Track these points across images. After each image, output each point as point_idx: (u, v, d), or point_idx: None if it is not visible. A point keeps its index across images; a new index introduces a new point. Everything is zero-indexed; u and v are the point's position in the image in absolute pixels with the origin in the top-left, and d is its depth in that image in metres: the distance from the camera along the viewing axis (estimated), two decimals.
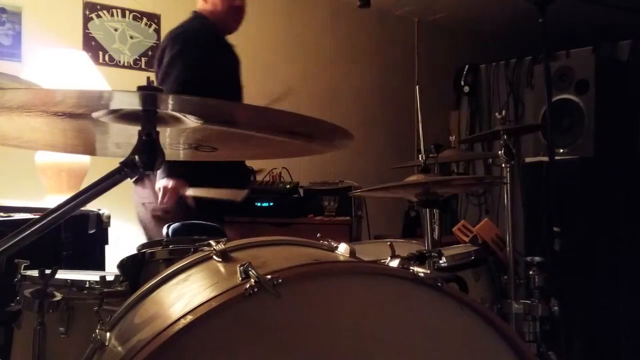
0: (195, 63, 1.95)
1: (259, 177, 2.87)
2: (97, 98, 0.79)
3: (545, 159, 2.61)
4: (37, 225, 0.77)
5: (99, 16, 2.85)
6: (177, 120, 0.82)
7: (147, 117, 0.79)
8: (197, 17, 2.13)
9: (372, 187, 1.81)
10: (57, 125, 0.86)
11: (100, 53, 2.85)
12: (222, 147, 0.99)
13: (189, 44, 2.00)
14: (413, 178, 1.64)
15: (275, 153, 1.19)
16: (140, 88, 0.79)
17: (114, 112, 0.79)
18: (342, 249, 0.92)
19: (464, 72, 4.16)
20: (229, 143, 0.97)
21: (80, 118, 0.81)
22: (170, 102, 0.80)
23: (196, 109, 0.82)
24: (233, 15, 2.10)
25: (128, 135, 0.82)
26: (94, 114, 0.79)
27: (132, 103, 0.78)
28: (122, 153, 0.81)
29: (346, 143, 0.92)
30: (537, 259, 1.62)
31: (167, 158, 0.81)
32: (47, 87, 1.96)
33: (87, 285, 1.20)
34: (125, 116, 0.80)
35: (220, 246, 0.87)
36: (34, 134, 0.93)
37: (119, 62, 2.90)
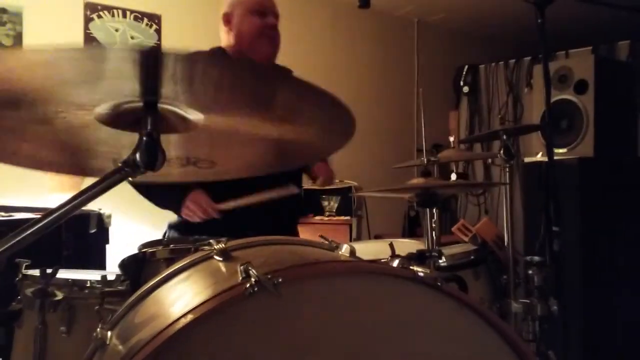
0: None
1: None
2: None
3: (545, 159, 2.62)
4: (38, 225, 0.77)
5: (99, 16, 2.85)
6: (179, 118, 0.82)
7: (148, 116, 0.79)
8: (210, 51, 1.75)
9: (374, 190, 1.82)
10: (57, 140, 0.85)
11: None
12: (220, 160, 0.98)
13: None
14: (414, 181, 1.65)
15: (276, 163, 1.15)
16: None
17: (116, 107, 0.79)
18: (343, 248, 0.93)
19: (464, 73, 4.17)
20: (228, 152, 0.96)
21: (82, 126, 0.81)
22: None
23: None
24: (258, 38, 1.73)
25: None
26: (97, 109, 0.79)
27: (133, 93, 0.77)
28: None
29: (347, 134, 0.88)
30: (536, 258, 1.63)
31: (165, 178, 0.80)
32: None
33: (88, 285, 1.20)
34: (126, 117, 0.81)
35: (221, 245, 0.88)
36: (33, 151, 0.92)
37: None
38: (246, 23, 1.73)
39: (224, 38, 1.80)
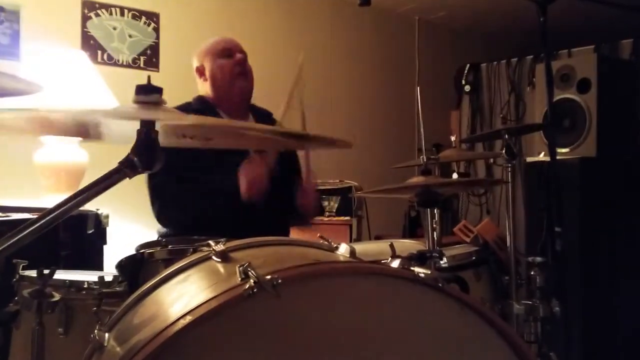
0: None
1: None
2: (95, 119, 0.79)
3: (547, 158, 2.61)
4: (36, 225, 0.77)
5: (97, 15, 2.84)
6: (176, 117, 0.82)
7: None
8: (195, 101, 1.85)
9: (374, 189, 1.81)
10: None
11: (99, 52, 2.84)
12: (216, 138, 0.99)
13: None
14: (414, 180, 1.64)
15: (269, 144, 1.17)
16: (138, 88, 0.78)
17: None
18: (342, 249, 0.92)
19: (465, 71, 4.15)
20: (224, 135, 0.97)
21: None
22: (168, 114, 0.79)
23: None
24: (232, 79, 1.80)
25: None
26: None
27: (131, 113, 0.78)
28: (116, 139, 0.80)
29: (345, 144, 0.92)
30: (538, 259, 1.62)
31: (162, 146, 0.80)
32: (44, 102, 1.93)
33: (85, 286, 1.21)
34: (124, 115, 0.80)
35: (220, 246, 0.87)
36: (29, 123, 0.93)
37: (118, 61, 2.90)
38: (217, 67, 1.81)
39: (201, 89, 1.88)
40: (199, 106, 1.80)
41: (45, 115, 0.79)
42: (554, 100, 1.67)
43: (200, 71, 1.86)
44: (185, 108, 1.75)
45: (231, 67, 1.81)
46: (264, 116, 1.93)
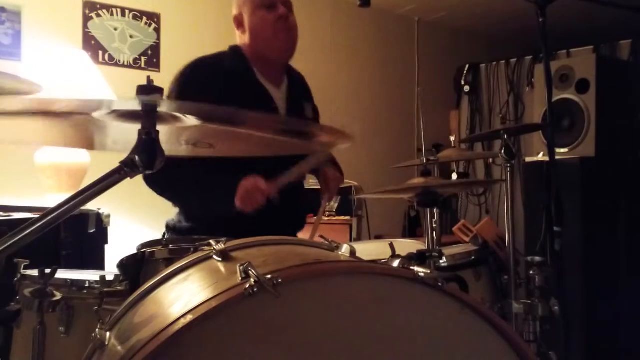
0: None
1: None
2: (97, 105, 0.79)
3: (546, 158, 2.61)
4: (37, 225, 0.77)
5: (98, 15, 2.85)
6: (177, 119, 0.82)
7: (147, 117, 0.79)
8: (230, 52, 1.71)
9: (374, 190, 1.81)
10: (55, 124, 0.86)
11: (100, 52, 2.84)
12: (219, 145, 0.99)
13: (183, 89, 1.57)
14: (414, 181, 1.64)
15: (274, 150, 1.18)
16: (140, 88, 0.79)
17: (114, 111, 0.79)
18: (343, 248, 0.92)
19: (465, 72, 4.16)
20: (227, 140, 0.97)
21: (79, 115, 0.81)
22: (169, 105, 0.80)
23: (195, 112, 0.81)
24: (274, 35, 1.68)
25: (126, 131, 0.82)
26: (94, 114, 0.79)
27: (132, 105, 0.78)
28: (120, 148, 0.81)
29: (346, 143, 0.92)
30: (537, 258, 1.62)
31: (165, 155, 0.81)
32: (47, 94, 1.93)
33: (87, 285, 1.20)
34: (125, 115, 0.80)
35: (220, 246, 0.87)
36: (33, 133, 0.93)
37: (119, 61, 2.90)
38: (257, 21, 1.67)
39: (239, 40, 1.74)
40: (232, 62, 1.66)
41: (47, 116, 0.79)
42: (553, 100, 1.67)
43: (239, 21, 1.70)
44: (217, 63, 1.64)
45: (273, 21, 1.66)
46: (298, 82, 1.82)
